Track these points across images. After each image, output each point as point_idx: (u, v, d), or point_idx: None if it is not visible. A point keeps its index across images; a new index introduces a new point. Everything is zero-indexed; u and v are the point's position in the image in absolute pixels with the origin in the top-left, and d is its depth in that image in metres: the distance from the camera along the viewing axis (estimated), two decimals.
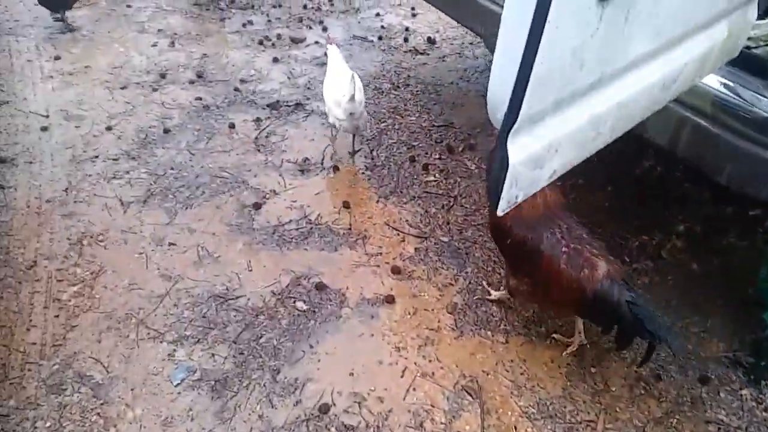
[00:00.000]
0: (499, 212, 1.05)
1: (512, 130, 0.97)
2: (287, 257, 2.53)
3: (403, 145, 3.26)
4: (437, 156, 3.16)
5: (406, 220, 2.74)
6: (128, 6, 4.68)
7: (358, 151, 3.17)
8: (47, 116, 3.32)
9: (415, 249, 2.59)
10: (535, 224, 1.95)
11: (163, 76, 3.78)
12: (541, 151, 1.05)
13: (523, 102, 0.91)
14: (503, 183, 0.99)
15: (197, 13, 4.66)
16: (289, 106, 3.56)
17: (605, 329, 1.99)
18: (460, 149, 3.21)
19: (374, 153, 3.19)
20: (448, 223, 2.72)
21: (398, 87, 3.79)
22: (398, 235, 2.66)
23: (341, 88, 2.87)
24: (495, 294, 2.33)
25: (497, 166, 0.99)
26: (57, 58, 3.89)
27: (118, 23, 4.41)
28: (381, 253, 2.56)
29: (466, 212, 2.79)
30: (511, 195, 1.01)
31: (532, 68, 0.89)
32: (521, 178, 1.02)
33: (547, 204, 1.98)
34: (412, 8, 4.88)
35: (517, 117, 0.94)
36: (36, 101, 3.45)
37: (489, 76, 1.09)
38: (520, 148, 1.00)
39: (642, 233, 2.64)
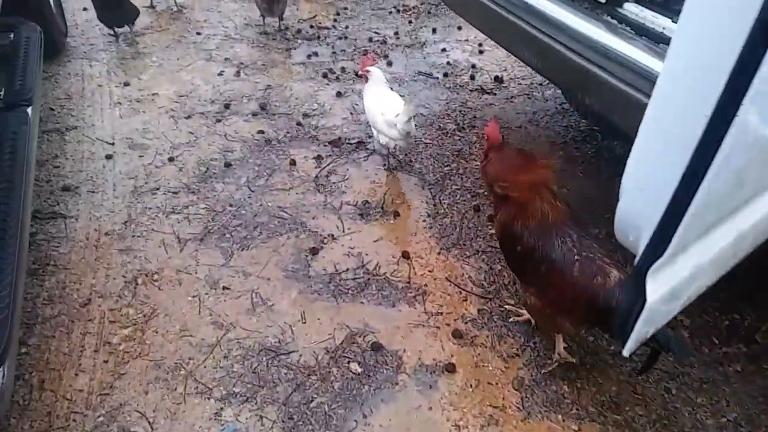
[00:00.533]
0: (626, 353, 0.89)
1: (655, 266, 0.80)
2: (343, 310, 2.40)
3: (467, 192, 3.11)
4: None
5: (469, 277, 2.58)
6: (198, 33, 4.74)
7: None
8: (113, 144, 3.35)
9: (479, 311, 2.42)
10: (545, 233, 1.95)
11: (227, 106, 3.77)
12: (681, 283, 0.88)
13: (676, 235, 0.75)
14: (635, 322, 0.82)
15: (264, 42, 4.68)
16: (350, 143, 3.48)
17: (614, 336, 1.99)
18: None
19: (437, 199, 3.05)
20: (514, 283, 2.54)
21: (463, 128, 3.66)
22: (460, 293, 2.50)
23: (394, 108, 2.93)
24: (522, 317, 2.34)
25: (628, 302, 0.83)
26: (126, 84, 3.95)
27: (186, 51, 4.47)
28: (441, 313, 2.40)
29: None
30: (641, 333, 0.85)
31: (693, 196, 0.72)
32: (656, 316, 0.86)
33: (556, 213, 1.98)
34: (480, 44, 4.76)
35: (664, 252, 0.78)
36: (103, 128, 3.49)
37: (620, 192, 0.91)
38: (659, 284, 0.84)
39: (732, 311, 2.39)
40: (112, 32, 4.55)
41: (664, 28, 1.98)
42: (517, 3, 2.43)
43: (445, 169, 3.28)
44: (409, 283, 2.54)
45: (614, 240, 0.94)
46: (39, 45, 3.10)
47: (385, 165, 3.27)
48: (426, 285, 2.54)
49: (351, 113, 3.80)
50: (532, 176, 2.02)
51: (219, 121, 3.63)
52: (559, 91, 4.02)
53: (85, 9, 4.95)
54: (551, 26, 2.22)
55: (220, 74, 4.17)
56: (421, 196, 3.07)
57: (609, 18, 2.14)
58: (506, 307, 2.42)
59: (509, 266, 2.25)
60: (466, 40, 4.85)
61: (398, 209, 2.97)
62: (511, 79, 4.26)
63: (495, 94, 4.06)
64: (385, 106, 3.00)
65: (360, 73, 3.23)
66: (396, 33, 4.93)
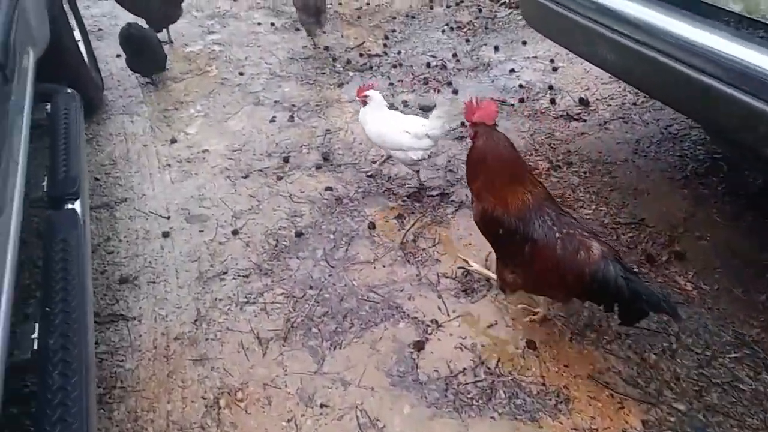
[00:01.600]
0: None
1: None
2: (471, 430, 1.95)
3: None
4: (636, 270, 2.51)
5: (618, 372, 2.10)
6: (240, 73, 4.36)
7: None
8: (168, 217, 2.96)
9: (643, 422, 1.94)
10: (524, 215, 2.02)
11: (286, 159, 3.36)
12: None
13: None
14: None
15: (313, 78, 4.27)
16: (432, 196, 3.03)
17: (606, 309, 1.97)
18: (664, 259, 2.53)
19: None
20: (677, 379, 2.06)
21: (558, 166, 3.17)
22: (612, 396, 2.03)
23: (415, 121, 2.89)
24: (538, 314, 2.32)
25: None
26: (173, 141, 3.58)
27: (232, 95, 4.09)
28: (596, 429, 1.93)
29: (699, 361, 2.12)
30: None
31: None
32: None
33: (534, 196, 2.05)
34: (551, 60, 4.27)
35: None
36: (155, 197, 3.12)
37: None
38: None
39: None
40: (149, 80, 4.20)
41: None
42: (668, 38, 1.94)
43: None
44: (544, 385, 2.08)
45: None
46: (80, 117, 2.73)
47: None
48: (566, 387, 2.07)
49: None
50: (518, 200, 2.04)
51: (280, 178, 3.22)
52: (659, 113, 3.52)
53: (118, 56, 4.61)
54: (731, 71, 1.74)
55: (272, 121, 3.77)
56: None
57: None
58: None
59: (495, 250, 2.24)
60: (535, 57, 4.36)
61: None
62: (597, 100, 3.76)
63: (584, 120, 3.56)
64: (405, 124, 2.88)
65: (358, 98, 3.02)
66: (455, 55, 4.48)
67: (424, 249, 2.71)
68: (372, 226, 2.85)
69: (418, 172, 3.06)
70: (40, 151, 2.57)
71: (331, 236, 2.81)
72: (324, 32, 4.64)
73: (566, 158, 3.23)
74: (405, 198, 3.03)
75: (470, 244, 2.71)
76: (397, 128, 2.87)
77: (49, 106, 2.80)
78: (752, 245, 2.53)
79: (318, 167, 3.30)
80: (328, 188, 3.13)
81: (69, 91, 2.89)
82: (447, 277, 2.55)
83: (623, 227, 2.72)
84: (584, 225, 2.06)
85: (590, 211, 2.84)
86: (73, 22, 3.90)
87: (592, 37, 2.35)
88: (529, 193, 2.05)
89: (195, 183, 3.22)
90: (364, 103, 2.98)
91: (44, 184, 2.27)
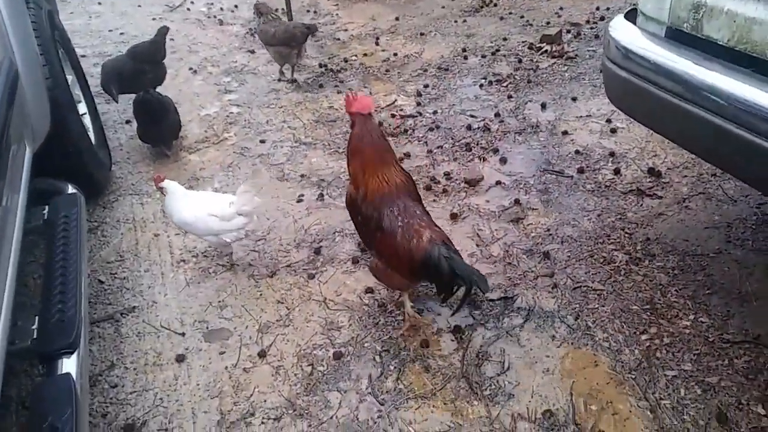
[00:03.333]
0: None
1: None
2: None
3: (692, 381, 2.12)
4: (762, 410, 1.99)
5: None
6: (261, 141, 3.96)
7: None
8: (183, 334, 2.52)
9: None
10: (379, 203, 2.24)
11: (317, 251, 2.92)
12: None
13: None
14: None
15: (342, 145, 3.85)
16: (493, 301, 2.56)
17: (444, 293, 2.18)
18: None
19: (649, 395, 2.08)
20: None
21: (639, 259, 2.69)
22: None
23: (220, 201, 2.69)
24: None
25: None
26: None
27: (253, 167, 3.68)
28: None
29: None
30: None
31: None
32: None
33: (392, 185, 2.26)
34: (608, 120, 3.82)
35: None
36: (168, 305, 2.68)
37: None
38: None
39: None
40: (164, 151, 3.82)
41: None
42: None
43: (644, 337, 2.31)
44: None
45: None
46: (82, 224, 2.31)
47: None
48: None
49: (477, 245, 2.90)
50: (377, 188, 2.25)
51: (312, 277, 2.77)
52: (745, 187, 3.03)
53: (128, 122, 4.25)
54: None
55: (299, 200, 3.34)
56: (622, 389, 2.11)
57: None
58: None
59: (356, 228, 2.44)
60: (589, 116, 3.91)
61: (599, 420, 2.02)
62: (669, 169, 3.28)
63: (660, 197, 3.08)
64: (210, 206, 2.68)
65: (156, 188, 2.79)
66: (497, 114, 4.04)
67: (491, 378, 2.22)
68: (425, 344, 2.37)
69: (231, 254, 2.90)
70: (33, 268, 2.16)
71: (377, 358, 2.34)
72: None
73: (646, 248, 2.75)
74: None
75: (547, 371, 2.22)
76: (202, 213, 2.68)
77: (46, 211, 2.40)
78: None
79: (355, 261, 2.85)
80: (369, 290, 2.67)
81: (71, 191, 2.49)
82: (525, 420, 2.06)
83: (734, 347, 2.21)
84: (428, 216, 2.29)
85: (688, 323, 2.34)
86: (78, 92, 3.54)
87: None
88: (389, 182, 2.26)
89: (214, 285, 2.78)
90: (164, 194, 2.77)
91: (34, 327, 1.84)
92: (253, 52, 5.47)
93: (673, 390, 2.09)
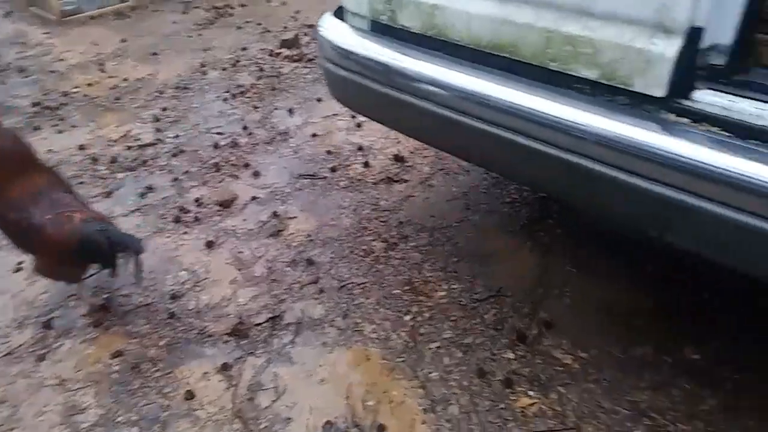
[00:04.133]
0: None
1: None
2: None
3: (453, 346, 2.20)
4: (511, 355, 2.14)
5: None
6: None
7: None
8: None
9: None
10: (24, 204, 2.22)
11: (47, 325, 2.45)
12: None
13: None
14: None
15: None
16: (260, 325, 2.40)
17: (110, 265, 2.32)
18: (535, 333, 2.21)
19: (422, 374, 2.10)
20: None
21: (395, 244, 2.75)
22: None
23: None
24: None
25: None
26: None
27: None
28: None
29: None
30: None
31: None
32: None
33: (35, 184, 2.26)
34: (353, 116, 3.88)
35: None
36: None
37: None
38: None
39: None
40: None
41: None
42: (517, 111, 1.59)
43: (407, 318, 2.34)
44: None
45: None
46: None
47: None
48: None
49: (239, 270, 2.71)
50: (16, 192, 2.23)
51: (42, 358, 2.32)
52: None
53: None
54: (589, 144, 1.42)
55: (17, 270, 2.80)
56: (395, 376, 2.11)
57: (674, 116, 1.38)
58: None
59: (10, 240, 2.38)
60: (335, 114, 3.95)
61: (377, 414, 1.99)
62: (412, 153, 3.44)
63: (406, 181, 3.21)
64: None
65: None
66: (245, 127, 3.88)
67: (267, 407, 2.06)
68: (190, 395, 2.12)
69: None
70: None
71: (134, 430, 2.02)
72: None
73: (400, 231, 2.82)
74: (226, 338, 2.35)
75: (323, 380, 2.13)
76: None
77: None
78: (612, 291, 2.34)
79: (97, 324, 2.45)
80: (117, 353, 2.31)
81: None
82: None
83: (483, 304, 2.36)
84: (80, 202, 2.40)
85: (444, 293, 2.44)
86: None
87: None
88: (31, 183, 2.26)
89: None
90: None
91: None
92: None
93: (438, 361, 2.15)
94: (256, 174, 3.39)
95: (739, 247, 1.28)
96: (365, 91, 2.15)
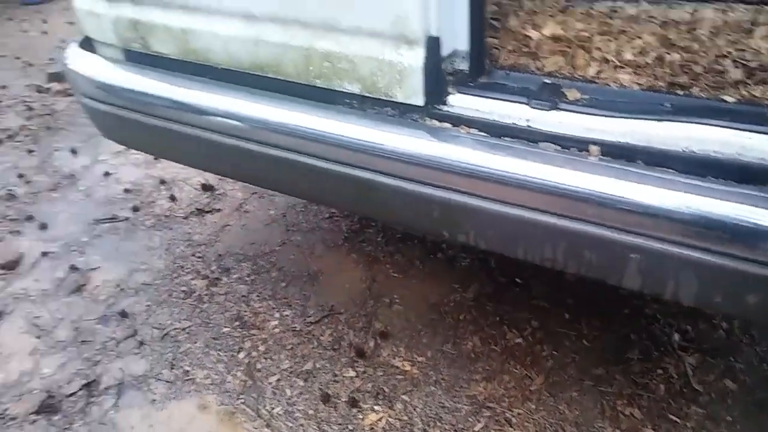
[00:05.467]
0: None
1: None
2: None
3: (293, 375, 2.18)
4: (353, 372, 2.19)
5: None
6: None
7: None
8: None
9: None
10: None
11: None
12: None
13: None
14: None
15: None
16: (73, 395, 2.13)
17: None
18: (372, 345, 2.29)
19: (265, 412, 2.06)
20: None
21: (217, 279, 2.65)
22: None
23: None
24: None
25: None
26: None
27: None
28: None
29: None
30: None
31: None
32: None
33: None
34: None
35: None
36: None
37: None
38: None
39: None
40: None
41: (528, 120, 1.45)
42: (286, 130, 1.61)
43: (241, 356, 2.27)
44: None
45: None
46: None
47: None
48: None
49: (38, 337, 2.38)
50: None
51: None
52: None
53: None
54: (367, 154, 1.51)
55: None
56: (237, 420, 2.03)
57: (437, 122, 1.51)
58: None
59: None
60: (120, 151, 3.64)
61: None
62: (220, 180, 3.33)
63: (219, 210, 3.10)
64: None
65: None
66: (21, 175, 3.42)
67: None
68: None
69: None
70: None
71: None
72: None
73: (220, 265, 2.72)
74: (34, 416, 2.05)
75: None
76: None
77: None
78: (436, 290, 2.52)
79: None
80: None
81: None
82: None
83: (318, 326, 2.38)
84: None
85: (276, 322, 2.41)
86: None
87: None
88: None
89: None
90: None
91: None
92: None
93: (281, 394, 2.11)
94: (43, 226, 3.01)
95: (506, 233, 1.44)
96: (133, 125, 2.02)
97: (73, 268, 2.73)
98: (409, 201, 1.51)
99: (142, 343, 2.34)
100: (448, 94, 1.44)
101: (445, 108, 1.45)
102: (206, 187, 3.26)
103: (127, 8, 1.83)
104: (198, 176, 3.37)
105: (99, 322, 2.45)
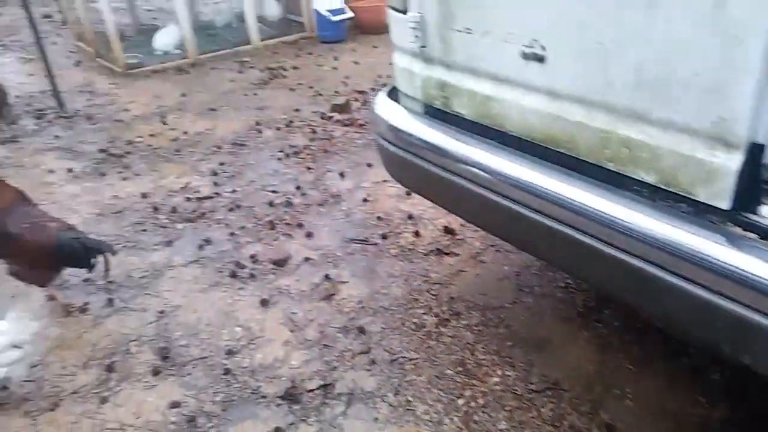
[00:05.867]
0: None
1: None
2: None
3: None
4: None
5: None
6: None
7: None
8: None
9: None
10: (2, 216, 2.54)
11: (110, 368, 2.54)
12: None
13: None
14: None
15: (132, 239, 3.49)
16: (312, 391, 2.43)
17: (86, 268, 2.78)
18: None
19: None
20: None
21: (446, 320, 2.79)
22: None
23: None
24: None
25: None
26: None
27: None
28: None
29: None
30: None
31: None
32: None
33: (3, 200, 2.60)
34: None
35: None
36: None
37: None
38: None
39: None
40: None
41: None
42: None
43: (460, 402, 2.34)
44: None
45: None
46: None
47: None
48: None
49: (291, 331, 2.77)
50: None
51: (105, 400, 2.39)
52: None
53: None
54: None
55: (83, 310, 2.90)
56: None
57: (740, 230, 1.42)
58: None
59: None
60: (385, 181, 4.06)
61: None
62: (462, 226, 3.52)
63: (457, 254, 3.28)
64: None
65: None
66: (298, 187, 4.03)
67: None
68: None
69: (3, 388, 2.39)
70: None
71: None
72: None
73: (451, 307, 2.87)
74: (279, 400, 2.39)
75: None
76: None
77: None
78: (676, 397, 2.31)
79: (156, 372, 2.52)
80: (174, 404, 2.37)
81: None
82: None
83: (540, 396, 2.36)
84: (49, 215, 2.81)
85: (498, 379, 2.45)
86: None
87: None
88: (3, 199, 2.62)
89: None
90: None
91: None
92: (15, 141, 4.80)
93: None
94: (309, 235, 3.50)
95: None
96: (417, 170, 2.26)
97: (327, 278, 3.12)
98: (688, 304, 1.45)
99: (373, 362, 2.57)
100: (761, 204, 1.36)
101: (753, 217, 1.37)
102: (448, 230, 3.47)
103: (440, 71, 2.09)
104: (442, 218, 3.60)
105: (340, 332, 2.76)
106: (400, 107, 2.38)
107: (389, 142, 2.36)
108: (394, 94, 2.45)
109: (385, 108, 2.41)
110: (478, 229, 3.46)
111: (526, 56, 1.72)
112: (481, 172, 1.93)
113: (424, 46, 2.10)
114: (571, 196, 1.66)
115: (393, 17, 2.22)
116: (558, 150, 1.77)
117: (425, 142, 2.18)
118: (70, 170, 4.31)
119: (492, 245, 3.33)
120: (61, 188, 4.08)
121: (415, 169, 2.24)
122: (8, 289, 3.03)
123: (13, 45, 7.88)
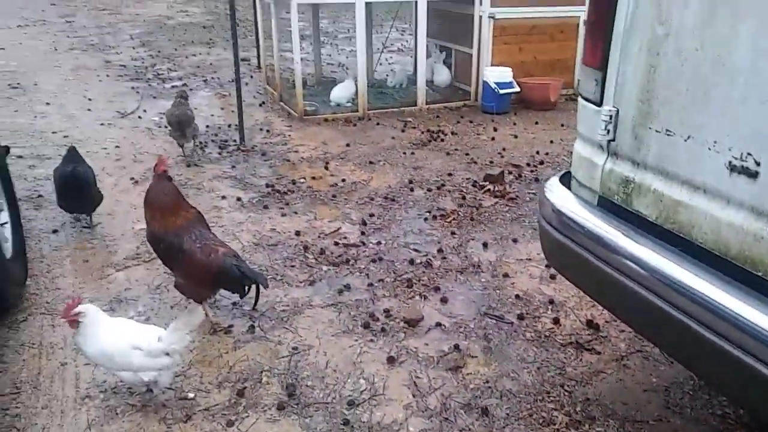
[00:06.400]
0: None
1: None
2: None
3: None
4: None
5: None
6: None
7: None
8: None
9: None
10: (179, 231, 2.97)
11: (240, 393, 2.68)
12: None
13: None
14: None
15: (280, 272, 3.72)
16: None
17: (239, 293, 3.08)
18: None
19: None
20: None
21: (579, 422, 2.58)
22: None
23: (148, 333, 2.50)
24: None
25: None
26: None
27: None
28: None
29: None
30: None
31: None
32: None
33: (187, 218, 3.04)
34: (547, 266, 3.87)
35: None
36: None
37: None
38: None
39: None
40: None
41: None
42: None
43: None
44: None
45: None
46: None
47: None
48: None
49: (413, 395, 2.73)
50: (174, 222, 2.99)
51: (231, 424, 2.51)
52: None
53: (55, 231, 4.01)
54: None
55: (227, 332, 3.13)
56: None
57: None
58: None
59: (160, 260, 3.15)
60: (529, 259, 3.97)
61: None
62: (607, 322, 3.29)
63: (598, 352, 3.05)
64: (135, 338, 2.45)
65: (65, 320, 2.44)
66: (440, 250, 4.05)
67: None
68: None
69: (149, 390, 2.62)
70: None
71: None
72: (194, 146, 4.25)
73: (586, 409, 2.65)
74: None
75: None
76: (124, 344, 2.43)
77: None
78: None
79: (281, 407, 2.61)
80: None
81: None
82: None
83: None
84: (217, 238, 3.18)
85: None
86: (1, 200, 3.33)
87: None
88: (185, 217, 3.02)
89: (119, 428, 2.47)
90: (75, 324, 2.41)
91: None
92: (199, 166, 5.43)
93: None
94: (444, 300, 3.48)
95: None
96: (579, 261, 2.15)
97: (456, 348, 3.06)
98: None
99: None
100: None
101: None
102: (592, 324, 3.25)
103: (626, 167, 2.02)
104: (586, 309, 3.39)
105: (463, 408, 2.66)
106: (571, 195, 2.32)
107: (554, 228, 2.30)
108: (566, 179, 2.40)
109: (556, 193, 2.36)
110: (625, 328, 3.23)
111: (734, 168, 1.60)
112: (657, 278, 1.80)
113: (612, 140, 2.05)
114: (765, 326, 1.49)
115: (584, 107, 2.20)
116: (756, 272, 1.61)
117: (595, 234, 2.09)
118: (238, 199, 4.76)
119: (639, 351, 3.06)
120: (229, 214, 4.50)
121: (577, 258, 2.15)
122: (169, 299, 3.38)
123: (213, 81, 9.04)
